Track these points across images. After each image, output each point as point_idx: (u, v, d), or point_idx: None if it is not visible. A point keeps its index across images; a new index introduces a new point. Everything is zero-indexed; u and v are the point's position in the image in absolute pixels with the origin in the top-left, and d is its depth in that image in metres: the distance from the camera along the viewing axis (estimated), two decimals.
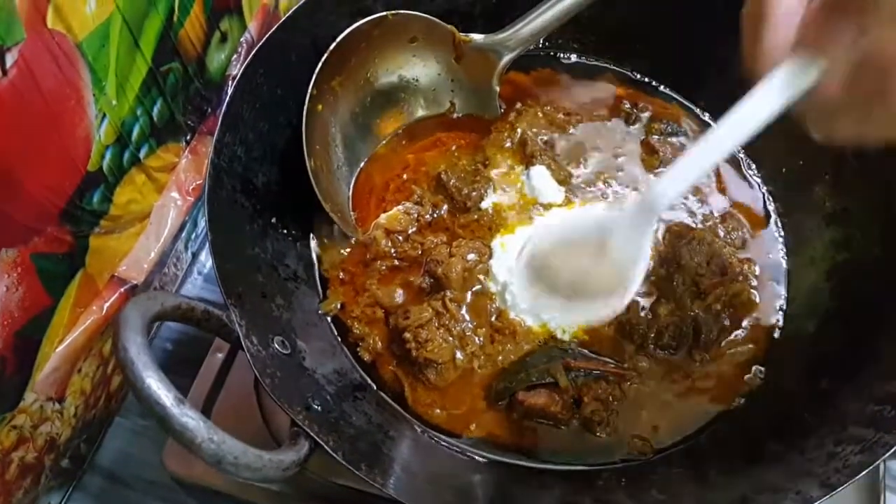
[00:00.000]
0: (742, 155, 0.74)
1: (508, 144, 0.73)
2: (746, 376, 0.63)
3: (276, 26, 0.61)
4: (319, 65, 0.63)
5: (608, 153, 0.74)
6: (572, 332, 0.63)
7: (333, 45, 0.63)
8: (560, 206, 0.70)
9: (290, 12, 0.61)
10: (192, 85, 0.67)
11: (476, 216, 0.69)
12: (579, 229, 0.53)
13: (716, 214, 0.70)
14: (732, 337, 0.64)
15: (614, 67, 0.80)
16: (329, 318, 0.65)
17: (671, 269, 0.65)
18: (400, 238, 0.68)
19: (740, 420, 0.60)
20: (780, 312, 0.66)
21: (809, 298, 0.65)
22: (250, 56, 0.59)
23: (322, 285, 0.67)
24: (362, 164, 0.73)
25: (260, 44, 0.60)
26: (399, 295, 0.65)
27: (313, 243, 0.68)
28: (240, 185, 0.60)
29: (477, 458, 0.59)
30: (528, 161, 0.72)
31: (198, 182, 0.70)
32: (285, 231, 0.65)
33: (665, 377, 0.62)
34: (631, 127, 0.76)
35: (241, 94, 0.59)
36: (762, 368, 0.63)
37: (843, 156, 0.65)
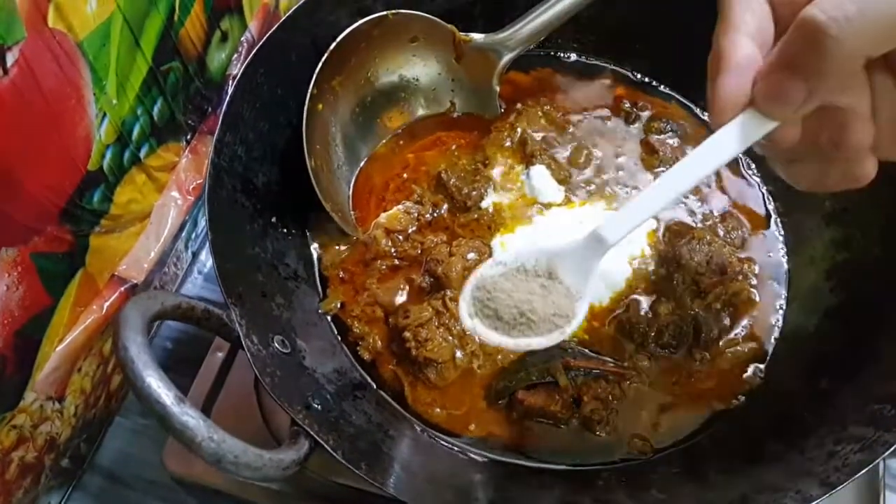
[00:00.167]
0: (742, 154, 0.74)
1: (508, 144, 0.74)
2: (746, 375, 0.63)
3: (276, 26, 0.61)
4: (320, 64, 0.63)
5: (608, 152, 0.74)
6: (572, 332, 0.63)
7: (334, 44, 0.63)
8: (560, 205, 0.70)
9: (291, 12, 0.62)
10: (192, 84, 0.68)
11: (476, 215, 0.69)
12: (530, 257, 0.53)
13: (716, 214, 0.70)
14: (732, 336, 0.64)
15: (614, 67, 0.80)
16: (329, 318, 0.65)
17: (671, 269, 0.65)
18: (400, 237, 0.68)
19: (740, 419, 0.60)
20: (780, 312, 0.66)
21: (809, 298, 0.65)
22: (251, 55, 0.59)
23: (322, 284, 0.67)
24: (362, 164, 0.73)
25: (260, 43, 0.60)
26: (399, 294, 0.65)
27: (313, 243, 0.68)
28: (240, 185, 0.60)
29: (477, 457, 0.59)
30: (528, 160, 0.72)
31: (198, 181, 0.70)
32: (285, 230, 0.66)
33: (665, 376, 0.62)
34: (631, 126, 0.76)
35: (241, 93, 0.59)
36: (762, 368, 0.63)
37: None
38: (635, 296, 0.65)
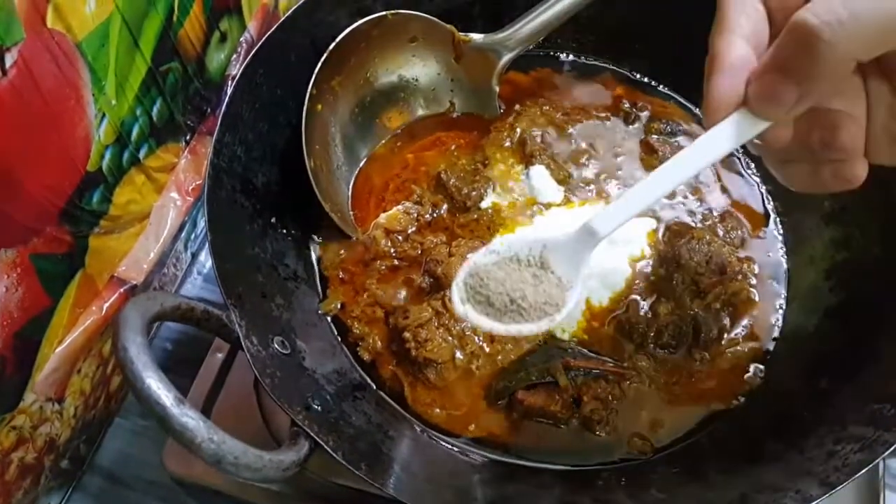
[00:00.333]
0: (741, 154, 0.74)
1: (508, 144, 0.74)
2: (746, 375, 0.63)
3: (275, 26, 0.61)
4: (319, 65, 0.63)
5: (607, 153, 0.74)
6: (572, 332, 0.63)
7: (333, 44, 0.63)
8: (559, 205, 0.70)
9: (290, 12, 0.62)
10: (191, 85, 0.67)
11: (476, 216, 0.69)
12: (523, 247, 0.54)
13: (715, 213, 0.70)
14: (732, 336, 0.64)
15: (613, 67, 0.80)
16: (329, 318, 0.65)
17: (671, 269, 0.65)
18: (399, 238, 0.68)
19: (740, 419, 0.60)
20: (780, 311, 0.66)
21: (809, 297, 0.65)
22: (250, 56, 0.59)
23: (322, 285, 0.67)
24: (362, 164, 0.73)
25: (259, 44, 0.60)
26: (399, 295, 0.65)
27: (313, 243, 0.68)
28: (239, 186, 0.60)
29: (476, 457, 0.59)
30: (527, 161, 0.72)
31: (197, 182, 0.70)
32: (285, 231, 0.65)
33: (665, 376, 0.62)
34: (630, 126, 0.76)
35: (240, 93, 0.59)
36: (762, 367, 0.63)
37: None
38: (635, 296, 0.65)
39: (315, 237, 0.68)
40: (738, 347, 0.64)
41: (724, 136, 0.40)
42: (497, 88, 0.74)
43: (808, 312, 0.65)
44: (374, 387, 0.62)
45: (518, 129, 0.74)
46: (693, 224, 0.69)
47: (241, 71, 0.59)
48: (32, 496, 0.61)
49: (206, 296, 0.77)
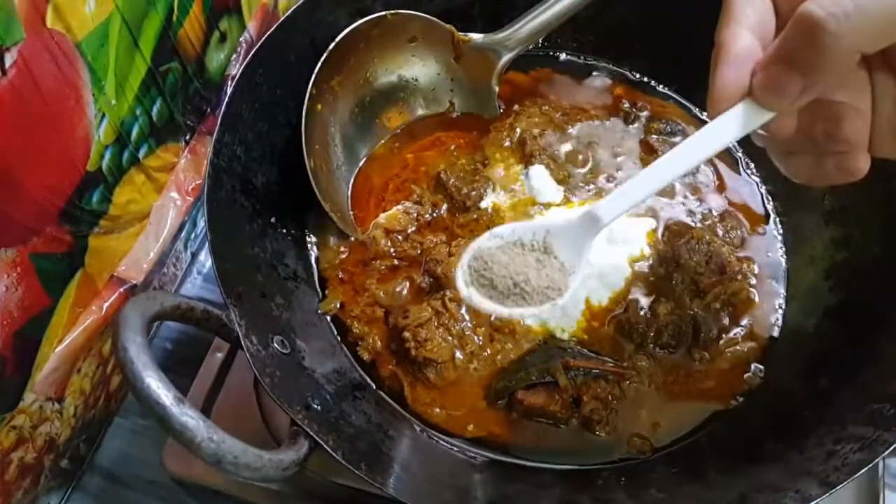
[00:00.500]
0: (741, 154, 0.74)
1: (507, 144, 0.74)
2: (746, 375, 0.63)
3: (275, 26, 0.61)
4: (318, 64, 0.63)
5: (607, 152, 0.74)
6: (571, 332, 0.63)
7: (332, 44, 0.63)
8: (559, 205, 0.70)
9: (289, 12, 0.62)
10: (191, 85, 0.67)
11: (475, 215, 0.69)
12: (527, 232, 0.56)
13: (715, 213, 0.70)
14: (732, 336, 0.64)
15: (613, 67, 0.80)
16: (328, 318, 0.65)
17: (670, 269, 0.65)
18: (399, 237, 0.68)
19: (739, 419, 0.60)
20: (780, 311, 0.66)
21: (809, 297, 0.65)
22: (249, 56, 0.59)
23: (321, 285, 0.67)
24: (361, 164, 0.73)
25: (259, 43, 0.60)
26: (398, 294, 0.65)
27: (313, 243, 0.68)
28: (239, 185, 0.60)
29: (476, 457, 0.59)
30: (527, 160, 0.72)
31: (197, 182, 0.70)
32: (285, 231, 0.65)
33: (664, 376, 0.62)
34: (630, 126, 0.76)
35: (240, 93, 0.59)
36: (761, 367, 0.63)
37: None
38: (634, 296, 0.65)
39: (315, 237, 0.68)
40: (738, 347, 0.64)
41: (729, 125, 0.40)
42: (497, 88, 0.74)
43: (807, 312, 0.65)
44: (374, 386, 0.62)
45: (518, 129, 0.74)
46: (693, 224, 0.69)
47: (240, 71, 0.59)
48: (32, 496, 0.61)
49: (206, 295, 0.77)
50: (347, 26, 0.64)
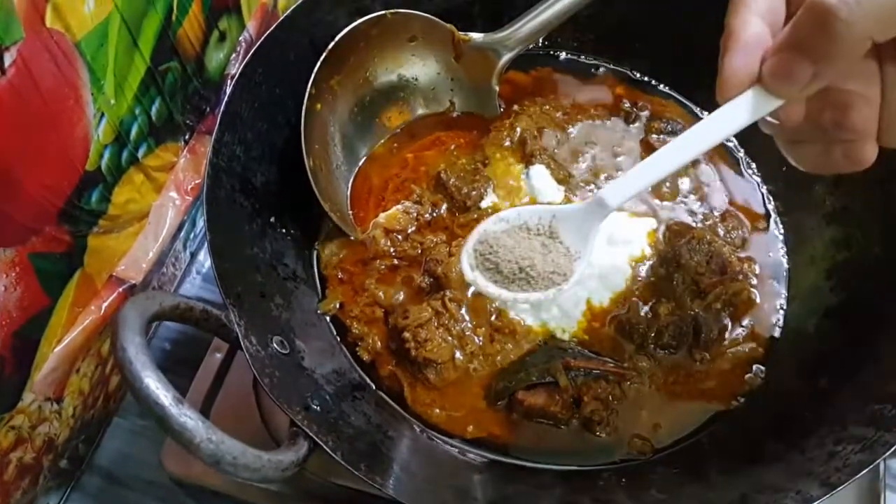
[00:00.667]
0: (742, 154, 0.74)
1: (508, 143, 0.73)
2: (746, 375, 0.63)
3: (274, 25, 0.60)
4: (318, 64, 0.63)
5: (607, 152, 0.74)
6: (572, 332, 0.63)
7: (332, 44, 0.63)
8: (559, 205, 0.70)
9: (289, 11, 0.61)
10: (190, 84, 0.67)
11: (476, 215, 0.69)
12: (533, 216, 0.55)
13: (716, 213, 0.70)
14: (732, 336, 0.64)
15: (613, 66, 0.80)
16: (328, 318, 0.65)
17: (671, 269, 0.65)
18: (399, 237, 0.68)
19: (740, 419, 0.60)
20: (781, 311, 0.66)
21: (809, 297, 0.65)
22: (249, 55, 0.59)
23: (321, 285, 0.67)
24: (361, 164, 0.72)
25: (259, 43, 0.59)
26: (398, 294, 0.65)
27: (312, 243, 0.68)
28: (238, 185, 0.60)
29: (476, 457, 0.59)
30: (527, 160, 0.72)
31: (196, 181, 0.70)
32: (284, 230, 0.65)
33: (665, 377, 0.62)
34: (630, 126, 0.76)
35: (239, 93, 0.59)
36: (762, 367, 0.63)
37: None
38: (635, 297, 0.64)
39: (314, 236, 0.68)
40: (739, 347, 0.63)
41: (737, 112, 0.40)
42: (497, 88, 0.74)
43: (808, 312, 0.65)
44: (374, 387, 0.62)
45: (518, 129, 0.74)
46: (693, 224, 0.69)
47: (240, 70, 0.58)
48: (31, 496, 0.61)
49: (205, 295, 0.77)
50: (347, 25, 0.64)
